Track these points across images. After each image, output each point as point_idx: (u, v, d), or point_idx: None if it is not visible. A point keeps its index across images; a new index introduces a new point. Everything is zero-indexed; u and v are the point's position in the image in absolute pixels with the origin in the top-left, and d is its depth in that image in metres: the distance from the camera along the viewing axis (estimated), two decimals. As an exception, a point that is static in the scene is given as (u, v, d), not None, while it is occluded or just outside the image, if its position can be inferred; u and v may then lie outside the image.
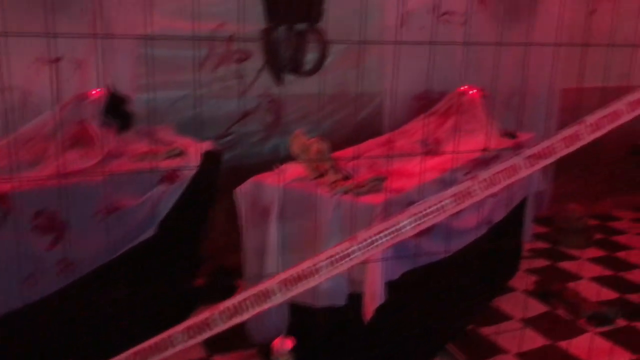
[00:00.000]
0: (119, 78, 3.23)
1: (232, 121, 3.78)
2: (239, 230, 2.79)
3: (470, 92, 3.67)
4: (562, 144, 1.87)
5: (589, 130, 1.86)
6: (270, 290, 1.71)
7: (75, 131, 2.90)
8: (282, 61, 3.76)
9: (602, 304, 3.54)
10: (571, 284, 3.80)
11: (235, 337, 2.73)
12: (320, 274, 1.72)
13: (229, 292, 2.74)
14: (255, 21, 3.63)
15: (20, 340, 2.48)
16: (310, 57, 3.82)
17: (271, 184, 2.68)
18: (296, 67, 3.81)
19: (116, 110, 3.06)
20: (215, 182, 3.19)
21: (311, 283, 1.72)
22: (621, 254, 4.45)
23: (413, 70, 3.22)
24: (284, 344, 2.36)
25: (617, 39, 3.29)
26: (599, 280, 3.96)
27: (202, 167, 2.99)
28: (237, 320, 1.71)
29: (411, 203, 1.91)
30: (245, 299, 1.71)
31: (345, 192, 2.56)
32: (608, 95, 2.08)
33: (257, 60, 3.76)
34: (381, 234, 1.75)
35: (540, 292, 3.69)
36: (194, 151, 3.03)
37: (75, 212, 2.46)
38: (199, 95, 3.61)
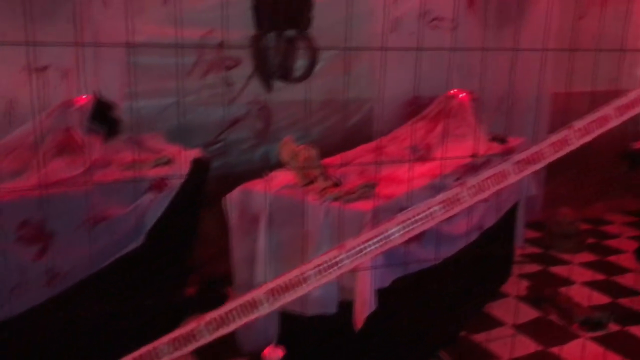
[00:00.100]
0: (108, 86, 3.21)
1: (221, 128, 3.76)
2: (228, 238, 2.77)
3: (460, 95, 3.67)
4: (551, 149, 1.86)
5: (577, 135, 1.85)
6: (257, 300, 1.68)
7: (62, 139, 2.87)
8: (271, 68, 3.75)
9: (594, 308, 3.54)
10: (563, 289, 3.80)
11: (225, 347, 2.69)
12: (308, 283, 1.70)
13: (220, 300, 2.71)
14: (244, 28, 3.62)
15: (6, 352, 2.45)
16: (299, 63, 3.81)
17: (260, 191, 2.66)
18: (286, 74, 3.79)
19: (103, 117, 3.03)
20: (204, 190, 3.17)
21: (299, 292, 1.70)
22: (613, 258, 4.46)
23: (403, 76, 3.21)
24: (275, 353, 2.33)
25: (605, 44, 3.30)
26: (591, 284, 3.96)
27: (191, 175, 2.97)
28: (223, 331, 1.68)
29: (402, 209, 1.89)
30: (232, 310, 1.68)
31: (335, 199, 2.54)
32: (597, 99, 2.08)
33: (246, 67, 3.74)
34: (369, 242, 1.73)
35: (533, 298, 3.69)
36: (183, 159, 3.01)
37: (62, 222, 2.44)
38: (188, 102, 3.59)
